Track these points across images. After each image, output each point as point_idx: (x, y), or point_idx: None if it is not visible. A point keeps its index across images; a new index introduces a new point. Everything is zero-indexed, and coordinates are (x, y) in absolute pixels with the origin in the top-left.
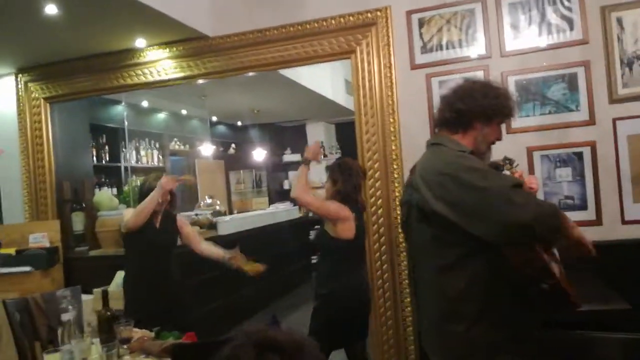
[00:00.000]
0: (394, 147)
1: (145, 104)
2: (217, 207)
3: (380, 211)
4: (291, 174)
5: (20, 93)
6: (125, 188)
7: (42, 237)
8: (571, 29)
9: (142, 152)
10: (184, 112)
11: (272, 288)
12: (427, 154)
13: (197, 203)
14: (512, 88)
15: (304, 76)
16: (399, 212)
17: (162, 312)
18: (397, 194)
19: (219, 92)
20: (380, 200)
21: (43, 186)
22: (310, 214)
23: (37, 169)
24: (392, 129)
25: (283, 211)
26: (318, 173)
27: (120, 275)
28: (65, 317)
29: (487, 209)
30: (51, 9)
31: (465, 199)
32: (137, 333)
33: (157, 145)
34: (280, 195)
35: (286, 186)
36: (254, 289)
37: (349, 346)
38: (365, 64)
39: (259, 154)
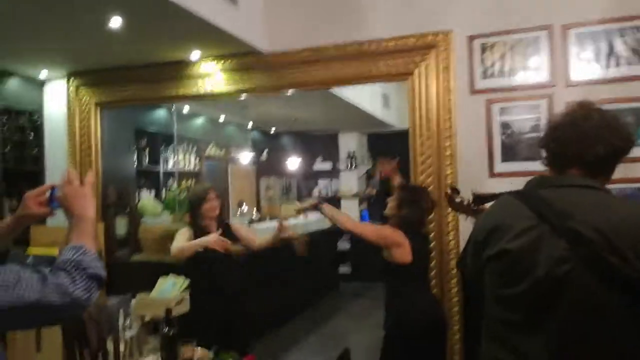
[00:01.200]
0: (449, 172)
1: (186, 109)
2: (253, 216)
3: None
4: (321, 182)
5: (70, 97)
6: (168, 195)
7: None
8: None
9: (180, 156)
10: (222, 118)
11: (302, 296)
12: (589, 199)
13: (234, 211)
14: None
15: (345, 88)
16: (451, 238)
17: (223, 330)
18: (449, 218)
19: (260, 102)
20: (432, 224)
21: None
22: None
23: (84, 172)
24: (447, 153)
25: (315, 221)
26: (349, 182)
27: (163, 282)
28: (128, 333)
29: None
30: (116, 22)
31: None
32: (197, 352)
33: (195, 150)
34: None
35: (316, 194)
36: (286, 297)
37: None
38: (423, 87)
39: (292, 162)
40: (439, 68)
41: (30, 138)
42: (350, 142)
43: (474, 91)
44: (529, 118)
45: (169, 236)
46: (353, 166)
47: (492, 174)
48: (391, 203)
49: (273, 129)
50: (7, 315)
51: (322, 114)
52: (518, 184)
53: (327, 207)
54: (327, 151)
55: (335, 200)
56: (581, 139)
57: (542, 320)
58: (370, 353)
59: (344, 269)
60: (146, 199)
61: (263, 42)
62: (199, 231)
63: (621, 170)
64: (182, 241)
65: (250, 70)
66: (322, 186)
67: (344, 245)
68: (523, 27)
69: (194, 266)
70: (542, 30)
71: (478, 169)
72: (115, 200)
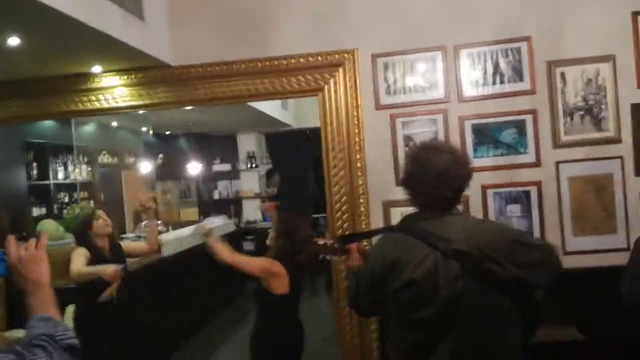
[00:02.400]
0: (360, 182)
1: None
2: (160, 228)
3: None
4: (220, 184)
5: None
6: (68, 215)
7: None
8: (521, 79)
9: (70, 167)
10: (114, 123)
11: (213, 301)
12: (457, 224)
13: (138, 225)
14: (468, 131)
15: None
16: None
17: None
18: (363, 226)
19: None
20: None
21: None
22: (243, 225)
23: None
24: (358, 165)
25: (220, 225)
26: (250, 182)
27: (70, 310)
28: None
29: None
30: (14, 41)
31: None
32: None
33: (86, 160)
34: (209, 206)
35: (216, 196)
36: (196, 306)
37: None
38: (333, 102)
39: (190, 165)
40: (347, 85)
41: None
42: (249, 143)
43: (379, 107)
44: (427, 131)
45: None
46: (253, 166)
47: (399, 183)
48: (271, 234)
49: (167, 131)
50: None
51: (219, 116)
52: None
53: (212, 241)
54: (225, 152)
55: (236, 202)
56: (430, 189)
57: (447, 334)
58: None
59: None
60: (46, 222)
61: (170, 56)
62: (93, 250)
63: (507, 176)
64: (81, 263)
65: (155, 85)
66: (222, 187)
67: (249, 245)
68: (420, 47)
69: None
70: (438, 50)
71: (386, 178)
72: (9, 224)
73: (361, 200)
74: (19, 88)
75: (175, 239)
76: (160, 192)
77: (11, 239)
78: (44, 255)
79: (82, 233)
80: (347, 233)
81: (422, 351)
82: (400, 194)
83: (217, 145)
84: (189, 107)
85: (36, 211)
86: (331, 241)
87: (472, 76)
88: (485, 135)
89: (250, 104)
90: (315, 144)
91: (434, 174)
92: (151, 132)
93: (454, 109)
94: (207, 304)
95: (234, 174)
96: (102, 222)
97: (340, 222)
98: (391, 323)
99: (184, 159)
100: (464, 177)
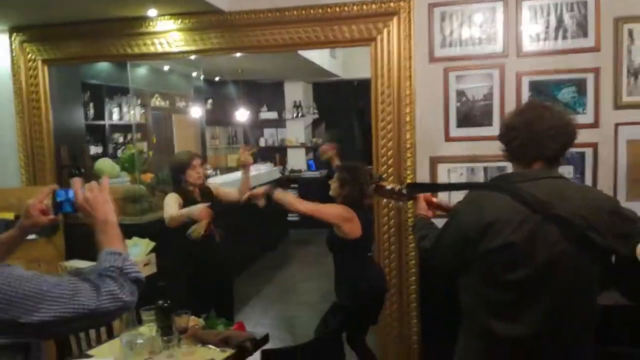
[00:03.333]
0: (408, 137)
1: None
2: (208, 171)
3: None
4: (266, 131)
5: (14, 53)
6: (124, 154)
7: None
8: (585, 36)
9: (125, 109)
10: (165, 67)
11: (256, 247)
12: (559, 188)
13: None
14: (525, 88)
15: None
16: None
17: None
18: (408, 180)
19: None
20: (394, 183)
21: (41, 151)
22: (288, 173)
23: (34, 133)
24: (407, 119)
25: (266, 172)
26: (295, 131)
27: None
28: None
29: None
30: None
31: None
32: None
33: (139, 102)
34: (257, 152)
35: (262, 144)
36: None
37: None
38: (385, 53)
39: (238, 111)
40: (401, 35)
41: None
42: (295, 91)
43: (433, 59)
44: (482, 86)
45: (129, 197)
46: (299, 115)
47: (448, 139)
48: (333, 184)
49: (217, 78)
50: (67, 322)
51: (269, 63)
52: (468, 147)
53: (279, 194)
54: (272, 100)
55: (282, 150)
56: (538, 140)
57: (538, 297)
58: (322, 304)
59: (293, 217)
60: (103, 160)
61: (224, 1)
62: (185, 195)
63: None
64: (174, 208)
65: (208, 30)
66: (268, 135)
67: (293, 194)
68: None
69: (179, 241)
70: (498, 1)
71: (435, 134)
72: (69, 161)
73: (408, 155)
74: (77, 29)
75: (224, 184)
76: (210, 137)
77: (77, 181)
78: (108, 196)
79: (176, 177)
80: (416, 182)
81: (510, 311)
82: (449, 150)
83: (265, 92)
84: (239, 54)
85: (93, 150)
86: (399, 187)
87: (533, 30)
88: (543, 93)
89: (299, 52)
90: (363, 95)
91: (545, 127)
92: (202, 77)
93: (511, 64)
94: (252, 248)
95: (280, 122)
96: (195, 174)
97: (385, 175)
98: (473, 281)
99: (232, 105)
100: (571, 134)
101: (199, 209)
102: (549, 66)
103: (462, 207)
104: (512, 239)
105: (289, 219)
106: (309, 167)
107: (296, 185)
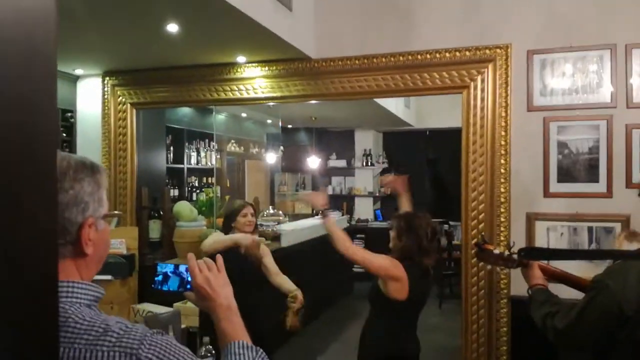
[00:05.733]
0: (502, 190)
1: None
2: (281, 218)
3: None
4: (334, 179)
5: (106, 96)
6: (202, 198)
7: (120, 243)
8: None
9: (202, 154)
10: (243, 114)
11: (319, 300)
12: None
13: (261, 213)
14: (637, 141)
15: None
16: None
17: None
18: (502, 238)
19: None
20: (500, 246)
21: (123, 192)
22: (354, 222)
23: (119, 174)
24: (502, 171)
25: (336, 220)
26: (363, 180)
27: None
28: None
29: None
30: (172, 28)
31: None
32: None
33: (216, 147)
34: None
35: (330, 191)
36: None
37: None
38: (479, 101)
39: (309, 158)
40: (496, 82)
41: (64, 136)
42: (366, 140)
43: (531, 108)
44: (587, 138)
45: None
46: (368, 164)
47: (547, 194)
48: (392, 234)
49: (290, 125)
50: None
51: (342, 111)
52: (573, 205)
53: (330, 221)
54: (342, 148)
55: (349, 198)
56: None
57: None
58: None
59: (358, 268)
60: (181, 203)
61: (312, 49)
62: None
63: None
64: (215, 237)
65: (294, 77)
66: (336, 183)
67: (359, 244)
68: (585, 44)
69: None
70: (605, 49)
71: (532, 189)
72: (150, 204)
73: (502, 210)
74: (167, 74)
75: (294, 231)
76: (279, 183)
77: (192, 257)
78: (227, 278)
79: (226, 224)
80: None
81: None
82: (548, 206)
83: (335, 140)
84: (314, 102)
85: (172, 192)
86: (507, 252)
87: None
88: None
89: (377, 102)
90: (434, 145)
91: None
92: (280, 124)
93: (620, 115)
94: (314, 301)
95: (348, 171)
96: (245, 221)
97: (475, 231)
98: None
99: (302, 152)
100: None
101: (247, 237)
102: None
103: (613, 279)
104: None
105: (353, 271)
106: (376, 217)
107: (363, 236)
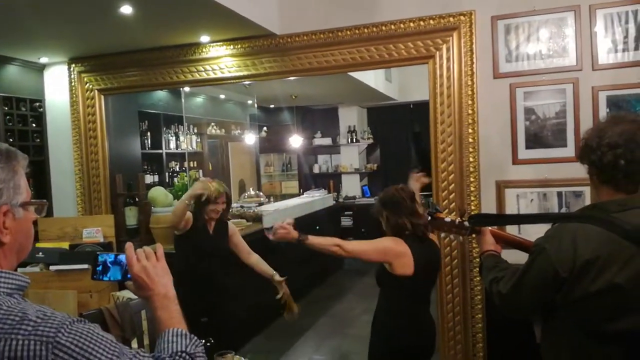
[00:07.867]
0: (471, 159)
1: (186, 89)
2: (262, 199)
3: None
4: (320, 158)
5: (73, 83)
6: (177, 183)
7: (96, 232)
8: None
9: (182, 138)
10: (222, 96)
11: (309, 277)
12: None
13: (242, 195)
14: (602, 104)
15: None
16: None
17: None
18: (472, 207)
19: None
20: (453, 214)
21: (96, 180)
22: (342, 200)
23: (91, 163)
24: (470, 140)
25: (320, 199)
26: (349, 157)
27: None
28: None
29: None
30: (126, 9)
31: None
32: None
33: (195, 130)
34: (310, 179)
35: (316, 170)
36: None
37: None
38: (445, 70)
39: (292, 138)
40: (462, 51)
41: (33, 127)
42: (350, 116)
43: (497, 75)
44: (554, 103)
45: None
46: (354, 140)
47: (516, 161)
48: (382, 222)
49: (272, 105)
50: None
51: (322, 89)
52: (542, 170)
53: (312, 239)
54: (326, 126)
55: (336, 176)
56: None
57: None
58: None
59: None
60: (156, 188)
61: (276, 25)
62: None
63: None
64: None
65: (261, 55)
66: (322, 161)
67: (347, 221)
68: (549, 7)
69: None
70: (569, 11)
71: (501, 156)
72: (125, 191)
73: (471, 179)
74: (132, 58)
75: (276, 211)
76: (264, 164)
77: (130, 246)
78: (167, 266)
79: (200, 204)
80: (480, 212)
81: None
82: (517, 173)
83: (318, 118)
84: (292, 79)
85: (149, 178)
86: (459, 219)
87: (609, 40)
88: (623, 109)
89: (353, 75)
90: (419, 118)
91: None
92: (256, 105)
93: (586, 78)
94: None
95: (334, 149)
96: (212, 208)
97: (446, 201)
98: (563, 329)
99: (286, 132)
100: None
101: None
102: (629, 79)
103: (549, 242)
104: (618, 281)
105: None
106: (363, 194)
107: (350, 213)
